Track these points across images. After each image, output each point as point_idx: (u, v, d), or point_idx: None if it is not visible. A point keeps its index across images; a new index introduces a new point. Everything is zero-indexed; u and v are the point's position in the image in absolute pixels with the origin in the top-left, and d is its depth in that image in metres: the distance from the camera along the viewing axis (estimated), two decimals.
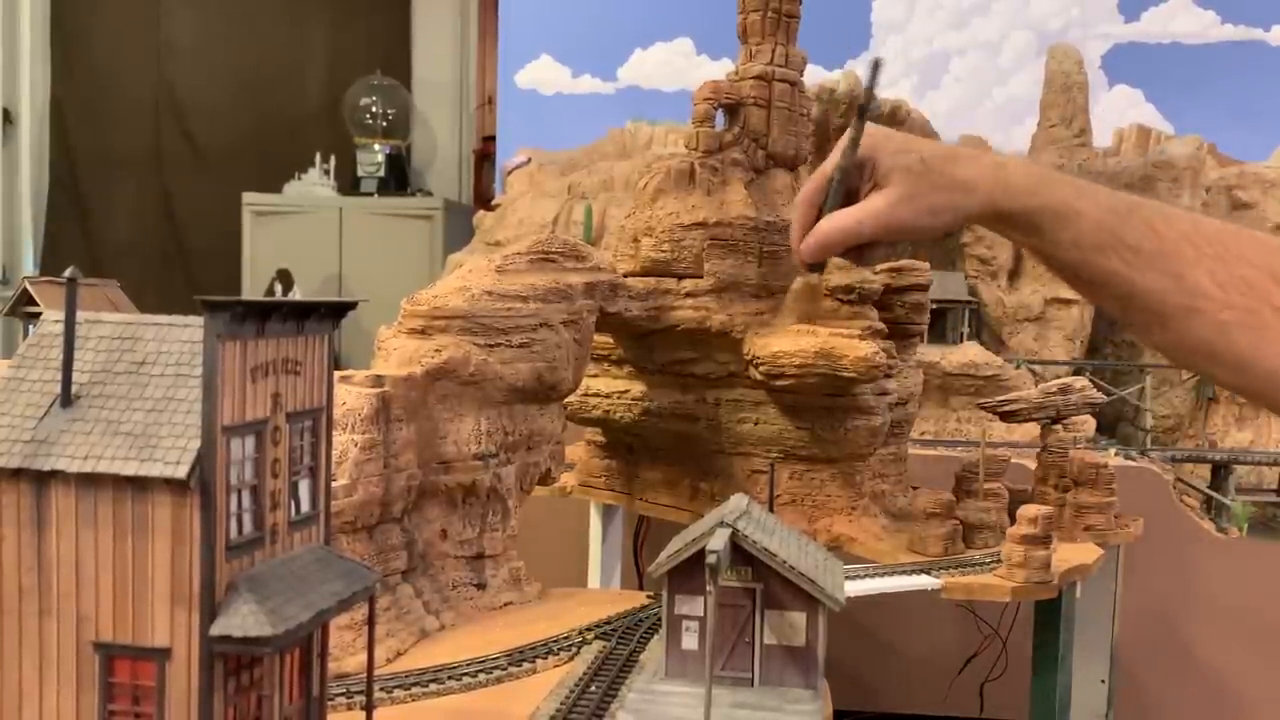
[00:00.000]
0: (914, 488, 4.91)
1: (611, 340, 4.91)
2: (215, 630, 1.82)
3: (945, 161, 2.23)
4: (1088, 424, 5.91)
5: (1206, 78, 10.22)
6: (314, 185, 11.27)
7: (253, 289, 10.71)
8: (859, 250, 2.36)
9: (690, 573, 2.77)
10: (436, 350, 3.61)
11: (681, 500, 4.96)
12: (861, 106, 2.32)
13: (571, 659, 3.23)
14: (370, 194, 11.33)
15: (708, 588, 2.58)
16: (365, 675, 2.41)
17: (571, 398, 4.51)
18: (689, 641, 2.84)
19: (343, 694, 2.84)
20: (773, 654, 2.81)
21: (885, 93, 8.58)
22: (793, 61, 4.86)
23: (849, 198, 2.30)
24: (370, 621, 2.32)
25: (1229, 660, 6.50)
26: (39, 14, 12.49)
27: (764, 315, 4.65)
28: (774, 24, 4.83)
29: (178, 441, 1.83)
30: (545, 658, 3.22)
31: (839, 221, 2.27)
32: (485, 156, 11.90)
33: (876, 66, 2.34)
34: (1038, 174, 2.21)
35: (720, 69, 6.98)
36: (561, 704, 2.84)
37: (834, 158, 2.30)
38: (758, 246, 4.68)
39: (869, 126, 2.27)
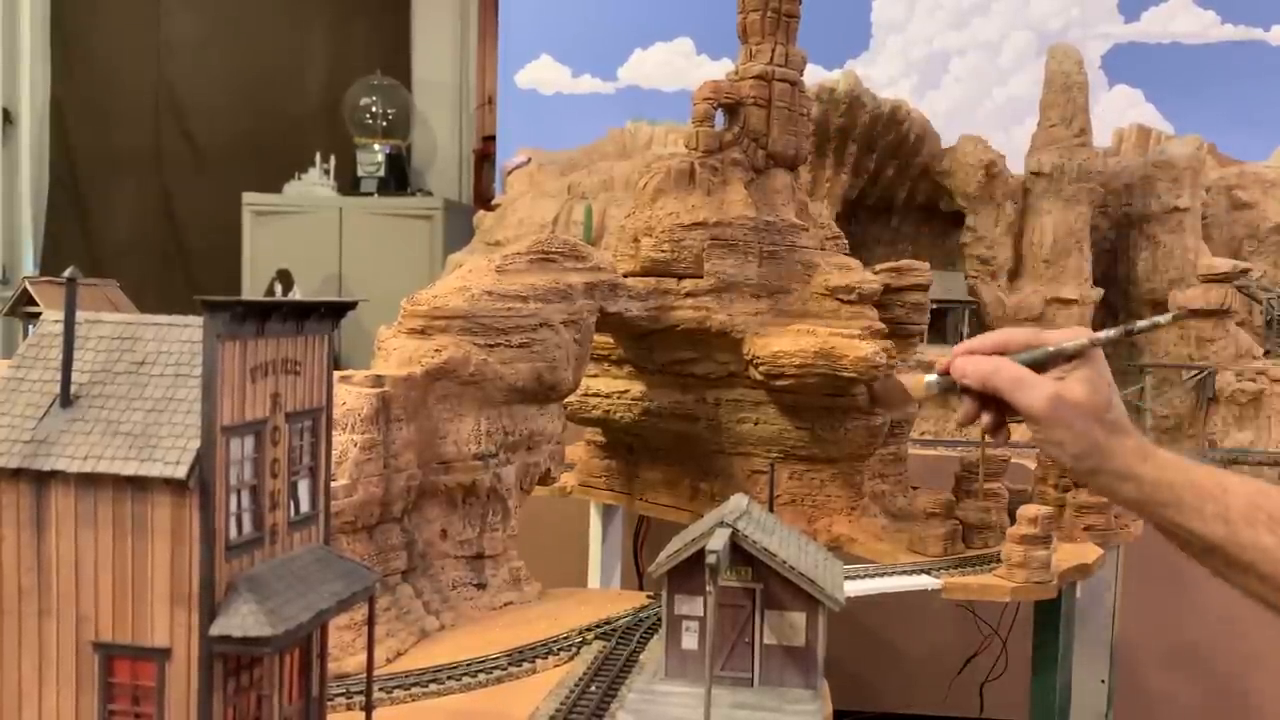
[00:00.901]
0: (914, 488, 4.91)
1: (611, 340, 4.91)
2: (215, 630, 1.82)
3: (1123, 415, 2.27)
4: None
5: (1206, 78, 10.21)
6: (314, 185, 11.26)
7: (253, 289, 10.70)
8: (998, 415, 2.33)
9: (690, 573, 2.77)
10: (436, 350, 3.61)
11: (681, 500, 4.96)
12: (1130, 330, 2.43)
13: (571, 659, 3.23)
14: (370, 194, 11.32)
15: (708, 588, 2.58)
16: (365, 675, 2.41)
17: (571, 398, 4.51)
18: (689, 641, 2.84)
19: (343, 694, 2.84)
20: (773, 654, 2.81)
21: (885, 92, 8.59)
22: (793, 61, 4.86)
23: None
24: (370, 621, 2.33)
25: (1229, 660, 6.49)
26: (39, 14, 12.48)
27: (764, 315, 4.65)
28: (774, 24, 4.83)
29: (177, 441, 1.83)
30: (545, 658, 3.22)
31: (1014, 370, 2.26)
32: (485, 156, 11.89)
33: (1172, 320, 2.45)
34: (1181, 456, 2.27)
35: (720, 69, 6.98)
36: (561, 704, 2.84)
37: (1073, 338, 2.30)
38: (758, 246, 4.68)
39: (1098, 351, 2.31)
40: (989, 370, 2.27)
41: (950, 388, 2.36)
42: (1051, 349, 2.28)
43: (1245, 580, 2.16)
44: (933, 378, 2.39)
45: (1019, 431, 2.42)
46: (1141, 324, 2.44)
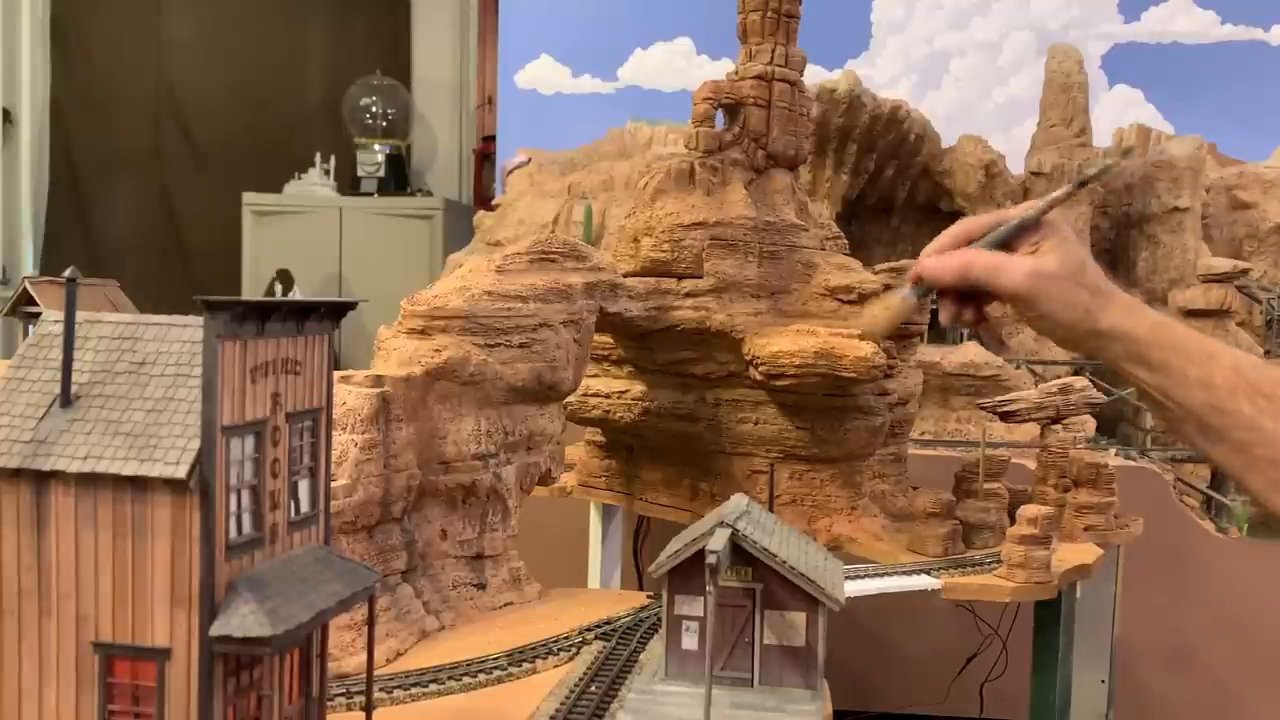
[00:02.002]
0: (914, 488, 4.91)
1: (611, 340, 4.91)
2: (215, 630, 1.82)
3: (1099, 273, 2.27)
4: (1088, 424, 5.90)
5: (1206, 78, 10.21)
6: (314, 185, 11.25)
7: (253, 289, 10.70)
8: (977, 309, 2.32)
9: (690, 573, 2.77)
10: (436, 350, 3.61)
11: (681, 500, 4.96)
12: (1083, 180, 2.41)
13: (571, 659, 3.23)
14: (370, 194, 11.32)
15: (708, 588, 2.58)
16: (365, 675, 2.41)
17: (571, 398, 4.51)
18: (689, 641, 2.84)
19: (343, 694, 2.84)
20: (773, 654, 2.81)
21: (885, 92, 8.59)
22: (793, 61, 4.86)
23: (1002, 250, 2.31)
24: (370, 621, 2.33)
25: (1229, 660, 6.49)
26: (39, 14, 12.48)
27: (764, 315, 4.65)
28: (774, 24, 4.83)
29: (178, 441, 1.83)
30: (545, 658, 3.22)
31: (988, 256, 2.25)
32: (485, 156, 11.89)
33: (1125, 155, 2.45)
34: (1170, 318, 2.28)
35: (720, 69, 6.98)
36: (561, 704, 2.84)
37: (1023, 206, 2.31)
38: (758, 246, 4.68)
39: (1054, 212, 2.30)
40: (963, 264, 2.26)
41: (927, 293, 2.34)
42: (1015, 222, 2.27)
43: (1219, 450, 2.17)
44: (907, 290, 2.37)
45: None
46: (1090, 171, 2.44)
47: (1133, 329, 2.21)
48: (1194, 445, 2.22)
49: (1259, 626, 6.46)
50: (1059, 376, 6.12)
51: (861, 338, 4.33)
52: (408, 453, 3.46)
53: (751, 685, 2.81)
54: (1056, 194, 2.31)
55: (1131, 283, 9.05)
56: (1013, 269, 2.22)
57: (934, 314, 2.46)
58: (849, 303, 4.69)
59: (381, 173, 11.42)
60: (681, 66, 10.75)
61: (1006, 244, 2.27)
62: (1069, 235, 2.29)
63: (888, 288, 4.84)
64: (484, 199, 11.47)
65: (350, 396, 3.31)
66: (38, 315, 4.84)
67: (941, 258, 2.29)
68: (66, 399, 1.90)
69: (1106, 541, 4.79)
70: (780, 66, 4.82)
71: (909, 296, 2.37)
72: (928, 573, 4.18)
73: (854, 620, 4.73)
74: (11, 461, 1.86)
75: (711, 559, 2.54)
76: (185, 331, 1.92)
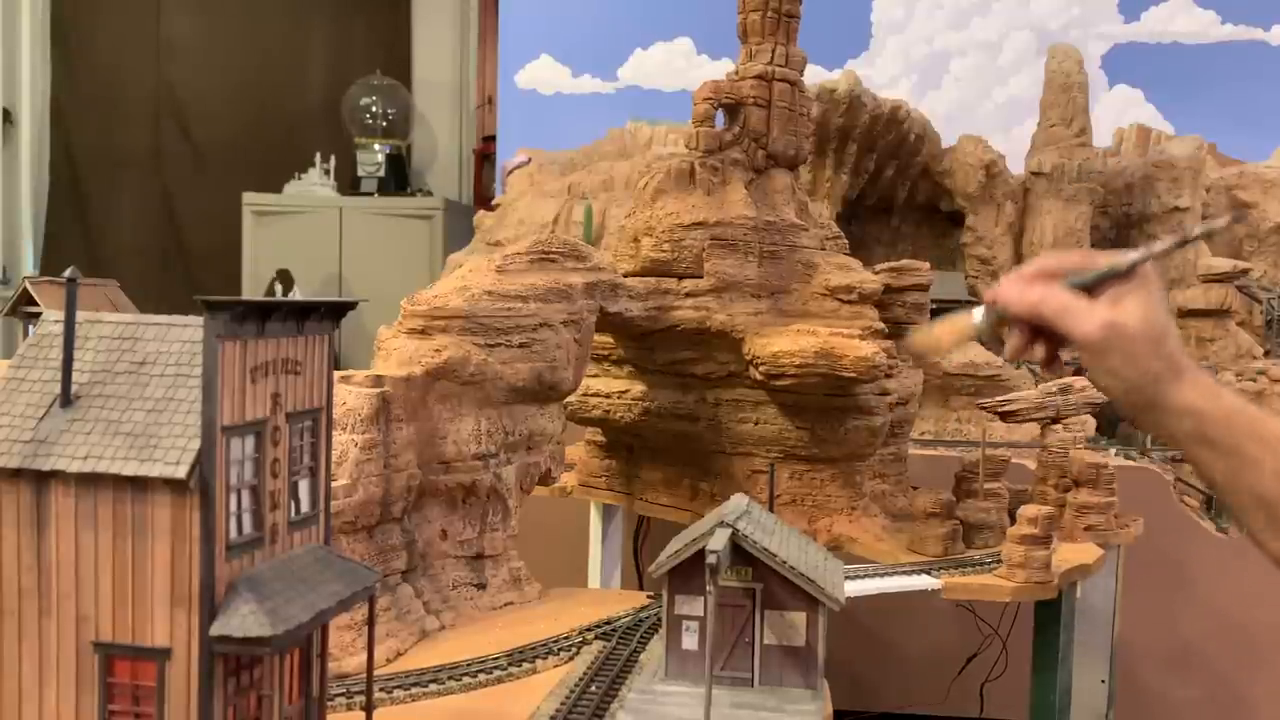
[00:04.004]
0: (914, 488, 4.91)
1: (611, 340, 4.91)
2: (215, 630, 1.82)
3: (1179, 345, 2.13)
4: (1088, 424, 5.90)
5: (1206, 78, 10.22)
6: (314, 185, 11.25)
7: (253, 289, 10.70)
8: (1050, 348, 2.16)
9: (690, 573, 2.77)
10: (436, 350, 3.61)
11: (681, 500, 4.96)
12: (1184, 240, 2.27)
13: (571, 659, 3.23)
14: (370, 194, 11.32)
15: (708, 588, 2.58)
16: (365, 675, 2.41)
17: (571, 398, 4.51)
18: (689, 641, 2.84)
19: (343, 694, 2.84)
20: (773, 654, 2.81)
21: (885, 92, 8.59)
22: (793, 61, 4.86)
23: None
24: (370, 621, 2.33)
25: (1229, 660, 6.49)
26: (39, 14, 12.48)
27: (764, 315, 4.65)
28: (774, 24, 4.83)
29: (178, 441, 1.83)
30: (545, 658, 3.22)
31: (1062, 296, 2.10)
32: (485, 156, 11.89)
33: (1230, 223, 2.33)
34: (1247, 402, 2.15)
35: (720, 69, 6.98)
36: (561, 704, 2.84)
37: (1122, 255, 2.14)
38: (758, 246, 4.67)
39: (1149, 265, 2.14)
40: (1036, 298, 2.11)
41: (999, 321, 2.19)
42: (1104, 269, 2.11)
43: None
44: (979, 312, 2.21)
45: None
46: (1197, 230, 2.30)
47: (1206, 408, 2.07)
48: (1254, 535, 2.10)
49: (1259, 626, 6.45)
50: (1059, 376, 6.11)
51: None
52: (408, 453, 3.46)
53: (751, 685, 2.81)
54: (1155, 247, 2.14)
55: None
56: (1086, 316, 2.08)
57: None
58: (849, 303, 4.69)
59: (381, 173, 11.42)
60: (681, 66, 10.75)
61: (1092, 288, 2.11)
62: (1158, 295, 2.13)
63: (888, 288, 4.84)
64: (484, 199, 11.47)
65: (350, 396, 3.31)
66: (38, 315, 4.84)
67: (1020, 287, 2.15)
68: (66, 399, 1.90)
69: (1106, 541, 4.79)
70: (780, 66, 4.82)
71: (979, 320, 2.21)
72: (928, 573, 4.18)
73: (854, 620, 4.74)
74: (11, 461, 1.86)
75: (711, 559, 2.54)
76: (185, 331, 1.92)
